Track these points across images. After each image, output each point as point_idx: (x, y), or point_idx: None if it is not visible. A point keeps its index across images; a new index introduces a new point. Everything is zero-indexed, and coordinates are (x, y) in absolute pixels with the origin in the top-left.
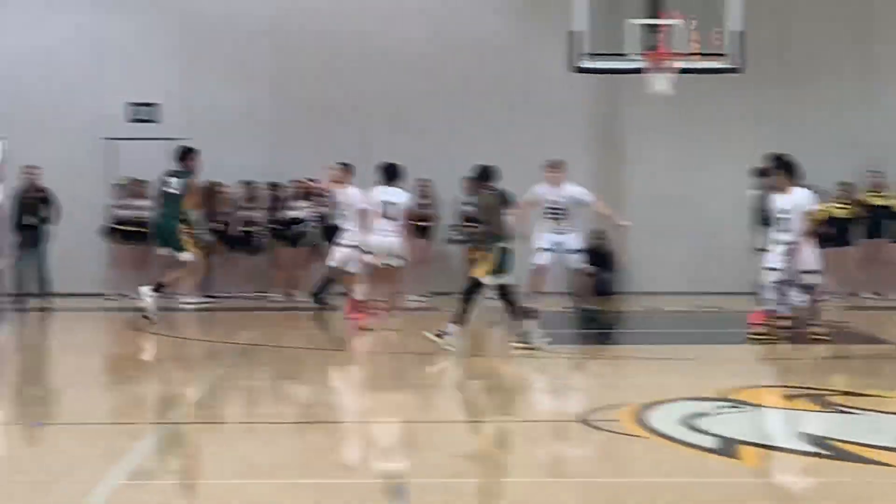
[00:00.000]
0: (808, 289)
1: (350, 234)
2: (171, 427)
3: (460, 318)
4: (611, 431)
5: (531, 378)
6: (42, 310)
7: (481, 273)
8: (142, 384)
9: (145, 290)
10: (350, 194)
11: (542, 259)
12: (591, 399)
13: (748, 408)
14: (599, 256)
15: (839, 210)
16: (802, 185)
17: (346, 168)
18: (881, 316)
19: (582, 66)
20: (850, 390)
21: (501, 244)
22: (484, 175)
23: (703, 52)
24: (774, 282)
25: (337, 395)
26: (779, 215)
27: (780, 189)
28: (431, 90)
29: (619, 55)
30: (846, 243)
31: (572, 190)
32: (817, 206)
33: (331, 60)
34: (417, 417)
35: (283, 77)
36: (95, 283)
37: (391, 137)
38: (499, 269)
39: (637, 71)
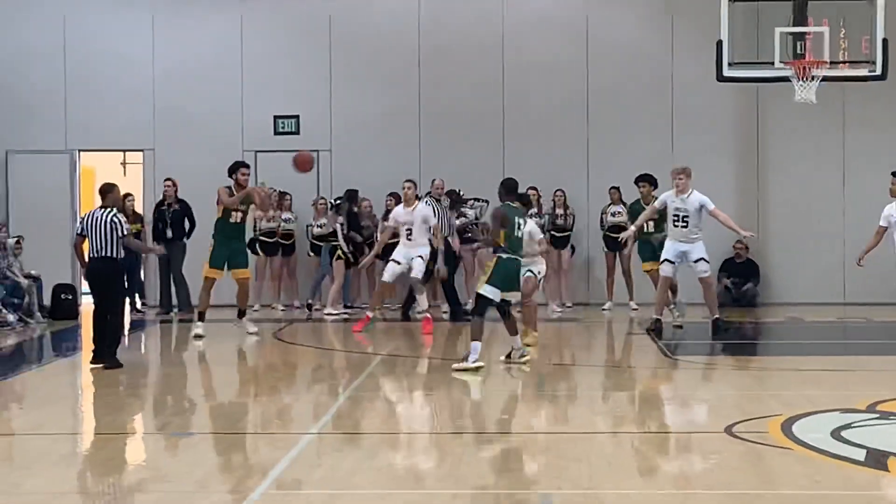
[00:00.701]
0: None
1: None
2: (317, 437)
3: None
4: (758, 443)
5: (675, 390)
6: (182, 321)
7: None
8: (289, 395)
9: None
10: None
11: (666, 270)
12: (738, 411)
13: None
14: (741, 266)
15: None
16: None
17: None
18: None
19: (727, 74)
20: None
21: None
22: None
23: (849, 59)
24: None
25: (483, 406)
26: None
27: None
28: (575, 99)
29: (765, 63)
30: None
31: (698, 197)
32: None
33: (475, 70)
34: (558, 428)
35: (427, 86)
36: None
37: (534, 147)
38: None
39: (782, 79)
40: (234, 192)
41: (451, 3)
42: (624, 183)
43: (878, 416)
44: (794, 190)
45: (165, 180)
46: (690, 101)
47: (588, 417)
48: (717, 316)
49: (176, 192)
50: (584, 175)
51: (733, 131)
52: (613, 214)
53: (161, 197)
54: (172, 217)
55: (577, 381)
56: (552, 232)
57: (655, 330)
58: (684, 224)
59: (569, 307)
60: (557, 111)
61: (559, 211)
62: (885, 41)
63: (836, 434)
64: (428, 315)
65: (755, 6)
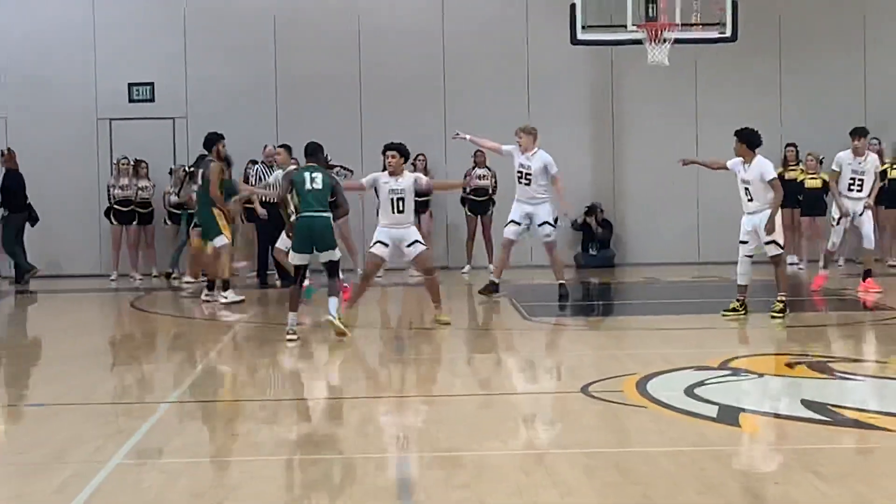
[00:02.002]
0: (773, 257)
1: None
2: (175, 406)
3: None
4: (613, 402)
5: (533, 351)
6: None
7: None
8: (144, 364)
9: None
10: None
11: (509, 232)
12: (594, 370)
13: (749, 376)
14: (594, 229)
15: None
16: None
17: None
18: (885, 282)
19: (581, 38)
20: (852, 356)
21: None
22: None
23: (700, 21)
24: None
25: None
26: (742, 184)
27: (743, 158)
28: (431, 64)
29: (618, 26)
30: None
31: (543, 157)
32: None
33: (332, 35)
34: (415, 392)
35: (283, 53)
36: (93, 264)
37: (391, 111)
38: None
39: (635, 42)
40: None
41: None
42: None
43: (730, 372)
44: (648, 151)
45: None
46: (545, 64)
47: (448, 380)
48: (562, 281)
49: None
50: (442, 139)
51: (588, 94)
52: (479, 177)
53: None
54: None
55: (436, 344)
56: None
57: (492, 290)
58: (527, 182)
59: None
60: (414, 76)
61: (418, 174)
62: (734, 4)
63: (689, 391)
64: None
65: None
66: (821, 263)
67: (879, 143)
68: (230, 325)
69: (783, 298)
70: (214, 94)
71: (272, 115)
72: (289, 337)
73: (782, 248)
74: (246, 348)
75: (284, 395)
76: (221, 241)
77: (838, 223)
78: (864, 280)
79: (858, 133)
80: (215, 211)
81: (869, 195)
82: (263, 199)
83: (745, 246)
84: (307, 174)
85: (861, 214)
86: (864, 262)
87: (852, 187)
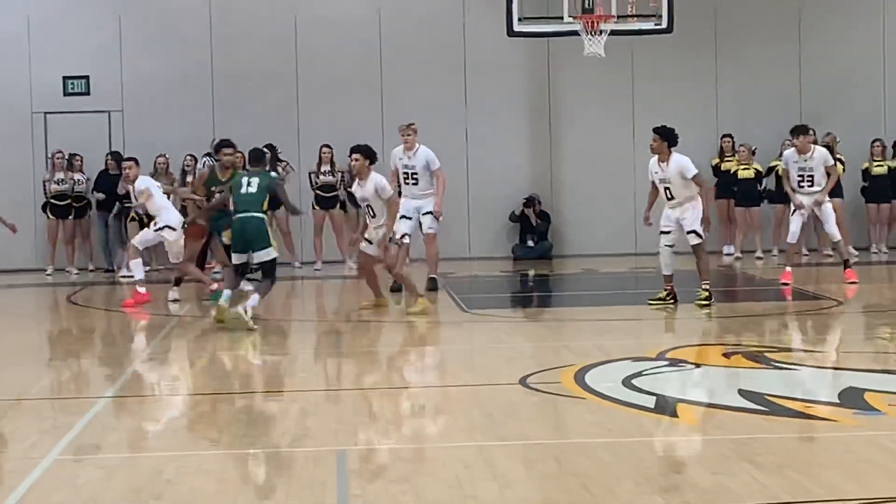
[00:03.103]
0: (694, 247)
1: None
2: (112, 401)
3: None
4: (551, 393)
5: (471, 343)
6: None
7: None
8: (80, 359)
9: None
10: None
11: (402, 227)
12: (533, 362)
13: (686, 366)
14: (531, 221)
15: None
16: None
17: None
18: (818, 272)
19: (517, 29)
20: (788, 346)
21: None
22: None
23: (636, 13)
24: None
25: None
26: (661, 184)
27: (659, 157)
28: (368, 57)
29: (554, 18)
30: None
31: (425, 153)
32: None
33: (268, 29)
34: (351, 385)
35: (219, 45)
36: (28, 258)
37: (328, 105)
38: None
39: (572, 34)
40: (217, 173)
41: None
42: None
43: (667, 363)
44: (586, 143)
45: None
46: (482, 56)
47: (385, 373)
48: (433, 275)
49: None
50: (379, 133)
51: (525, 86)
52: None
53: None
54: None
55: (373, 337)
56: (350, 190)
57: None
58: (415, 182)
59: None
60: (351, 69)
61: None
62: None
63: (626, 382)
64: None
65: None
66: (783, 259)
67: (832, 136)
68: (168, 319)
69: (707, 287)
70: (150, 88)
71: (209, 108)
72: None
73: (702, 237)
74: (183, 343)
75: (221, 389)
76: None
77: (793, 214)
78: (845, 270)
79: (797, 132)
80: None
81: (823, 190)
82: None
83: (667, 236)
84: (245, 179)
85: (821, 207)
86: (836, 253)
87: (802, 183)
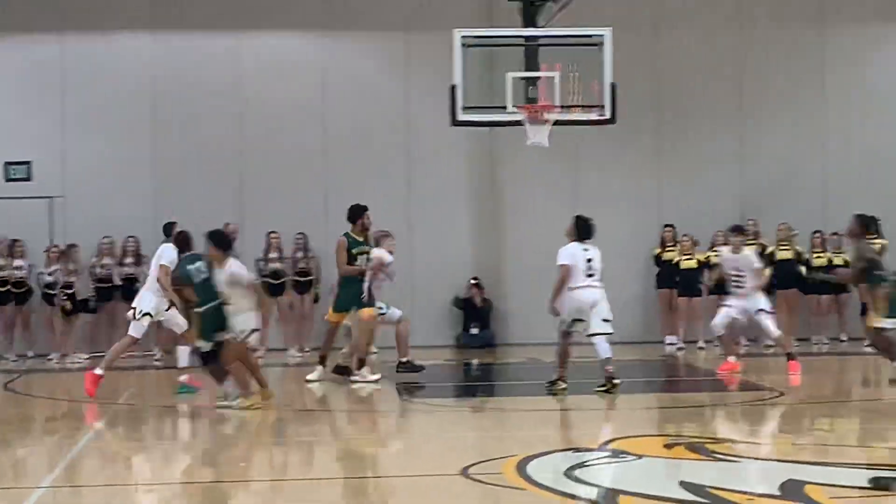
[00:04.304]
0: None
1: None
2: (48, 491)
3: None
4: (493, 484)
5: (411, 432)
6: None
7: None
8: (17, 448)
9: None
10: None
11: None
12: (475, 452)
13: (628, 457)
14: (474, 307)
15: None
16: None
17: None
18: (759, 363)
19: (461, 118)
20: (729, 437)
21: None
22: None
23: (580, 103)
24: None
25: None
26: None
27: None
28: (312, 143)
29: (498, 108)
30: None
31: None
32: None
33: (210, 112)
34: (294, 475)
35: (162, 131)
36: None
37: (272, 190)
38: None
39: (516, 123)
40: (357, 237)
41: (185, 46)
42: None
43: (610, 454)
44: (531, 231)
45: None
46: (427, 144)
47: (326, 463)
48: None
49: None
50: (323, 217)
51: (469, 173)
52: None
53: None
54: None
55: (314, 426)
56: (295, 276)
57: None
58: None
59: (307, 352)
60: (295, 154)
61: (300, 254)
62: (613, 86)
63: (569, 473)
64: None
65: (489, 51)
66: (724, 349)
67: (787, 226)
68: (108, 406)
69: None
70: (92, 173)
71: (149, 193)
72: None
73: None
74: (123, 430)
75: (163, 479)
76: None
77: (722, 306)
78: (788, 361)
79: (732, 231)
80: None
81: (749, 294)
82: None
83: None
84: (200, 267)
85: (756, 314)
86: (779, 347)
87: (733, 286)
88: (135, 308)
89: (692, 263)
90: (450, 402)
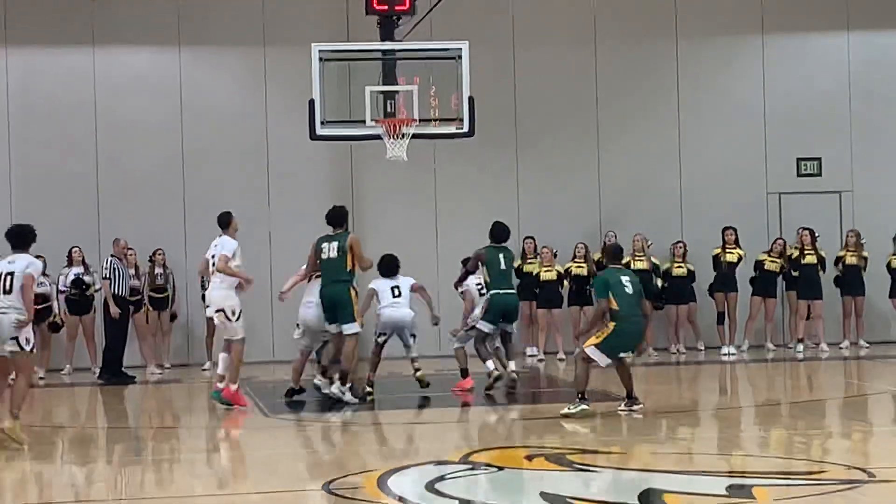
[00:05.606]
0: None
1: None
2: None
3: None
4: (354, 499)
5: (273, 448)
6: None
7: None
8: None
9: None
10: None
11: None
12: (335, 467)
13: (489, 469)
14: None
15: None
16: None
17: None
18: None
19: (320, 133)
20: (589, 448)
21: None
22: None
23: (439, 117)
24: None
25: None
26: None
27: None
28: (169, 161)
29: (357, 122)
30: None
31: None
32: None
33: (68, 132)
34: (152, 494)
35: (18, 148)
36: None
37: (130, 209)
38: None
39: (374, 137)
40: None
41: (41, 62)
42: None
43: (470, 466)
44: (389, 245)
45: None
46: (286, 160)
47: (186, 481)
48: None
49: None
50: (182, 235)
51: (329, 189)
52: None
53: None
54: None
55: (174, 443)
56: (151, 293)
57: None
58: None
59: (167, 368)
60: (153, 173)
61: (158, 271)
62: (471, 99)
63: (430, 486)
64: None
65: (348, 65)
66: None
67: (641, 237)
68: None
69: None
70: None
71: (7, 212)
72: None
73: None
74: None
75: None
76: (355, 328)
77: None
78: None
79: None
80: (352, 291)
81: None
82: (116, 293)
83: None
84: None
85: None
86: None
87: None
88: (223, 310)
89: (552, 275)
90: (311, 417)
